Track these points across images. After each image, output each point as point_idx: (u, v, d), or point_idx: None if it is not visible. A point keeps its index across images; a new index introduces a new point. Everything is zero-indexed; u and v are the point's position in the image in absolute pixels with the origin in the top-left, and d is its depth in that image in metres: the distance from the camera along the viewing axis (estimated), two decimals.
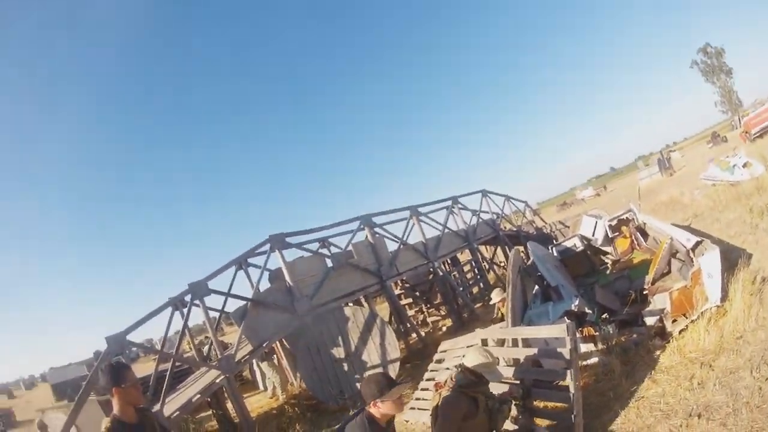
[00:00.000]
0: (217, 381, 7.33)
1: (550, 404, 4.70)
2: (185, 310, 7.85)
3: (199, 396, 7.18)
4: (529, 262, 9.82)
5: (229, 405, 8.24)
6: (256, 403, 10.36)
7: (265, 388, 10.74)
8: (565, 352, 4.31)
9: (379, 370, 7.94)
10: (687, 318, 5.81)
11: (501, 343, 5.74)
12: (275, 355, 10.59)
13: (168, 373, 7.53)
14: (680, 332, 5.65)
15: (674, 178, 28.48)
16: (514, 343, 5.37)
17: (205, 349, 10.27)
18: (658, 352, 5.46)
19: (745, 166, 13.36)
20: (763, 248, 7.12)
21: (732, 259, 6.94)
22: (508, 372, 5.06)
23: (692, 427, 3.76)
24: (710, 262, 5.86)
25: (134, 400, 2.79)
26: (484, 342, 5.82)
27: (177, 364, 8.43)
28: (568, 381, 4.21)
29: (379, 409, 2.81)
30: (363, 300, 10.33)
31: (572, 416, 4.06)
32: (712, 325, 5.30)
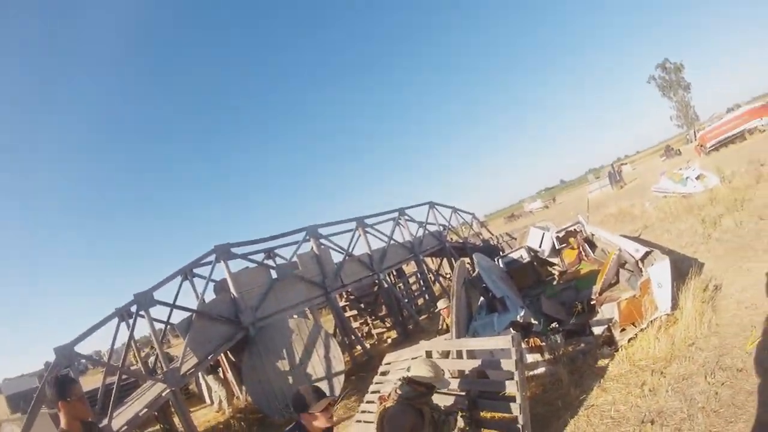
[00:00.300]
0: (163, 395, 7.74)
1: (497, 415, 4.87)
2: (132, 321, 8.31)
3: (146, 410, 7.58)
4: (475, 274, 10.25)
5: (177, 419, 8.69)
6: (203, 417, 10.96)
7: (212, 402, 11.49)
8: (511, 363, 4.54)
9: (324, 383, 8.85)
10: (636, 327, 6.26)
11: (446, 354, 5.99)
12: (221, 368, 11.24)
13: (115, 386, 7.88)
14: (629, 341, 6.09)
15: (625, 191, 30.90)
16: (459, 354, 5.58)
17: (151, 361, 10.53)
18: (606, 361, 5.86)
19: (698, 178, 14.77)
20: (716, 257, 7.87)
21: (683, 268, 7.64)
22: (453, 384, 5.29)
23: None
24: (660, 271, 6.40)
25: (80, 414, 2.96)
26: (429, 354, 6.04)
27: (123, 377, 8.84)
28: (515, 391, 4.46)
29: (310, 421, 3.07)
30: (308, 312, 11.19)
31: (519, 427, 4.23)
32: (663, 333, 5.76)
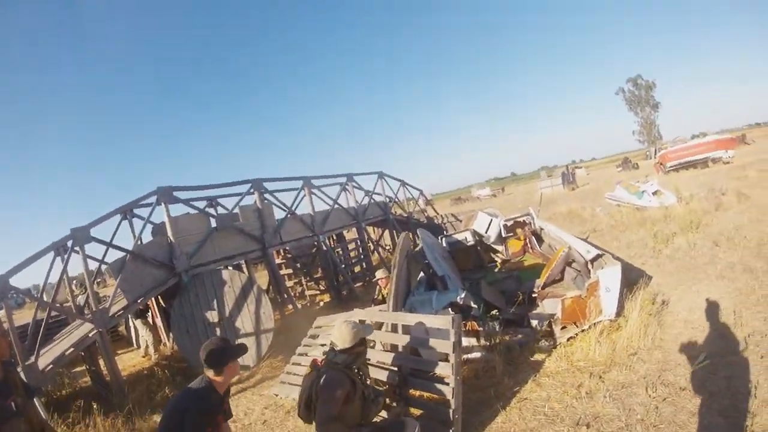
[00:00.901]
0: (90, 335, 7.79)
1: (427, 395, 4.77)
2: (66, 256, 8.29)
3: (72, 350, 7.62)
4: (418, 248, 10.27)
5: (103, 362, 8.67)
6: (129, 362, 11.04)
7: (139, 346, 11.61)
8: (448, 345, 4.46)
9: (252, 339, 9.06)
10: (577, 327, 6.32)
11: (379, 326, 5.81)
12: (150, 313, 11.42)
13: (43, 323, 7.98)
14: (569, 339, 6.16)
15: (576, 193, 31.83)
16: (394, 328, 5.43)
17: (82, 299, 10.16)
18: (543, 356, 5.90)
19: (655, 193, 15.29)
20: (665, 274, 8.08)
21: (631, 278, 7.83)
22: (385, 357, 5.22)
23: None
24: (610, 276, 6.48)
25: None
26: (362, 322, 5.86)
27: (54, 314, 9.04)
28: (449, 373, 4.40)
29: (227, 376, 3.22)
30: (243, 265, 11.43)
31: (450, 411, 4.18)
32: (604, 338, 5.84)
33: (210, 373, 3.21)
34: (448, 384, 4.28)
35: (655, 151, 44.43)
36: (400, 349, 5.16)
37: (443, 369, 4.46)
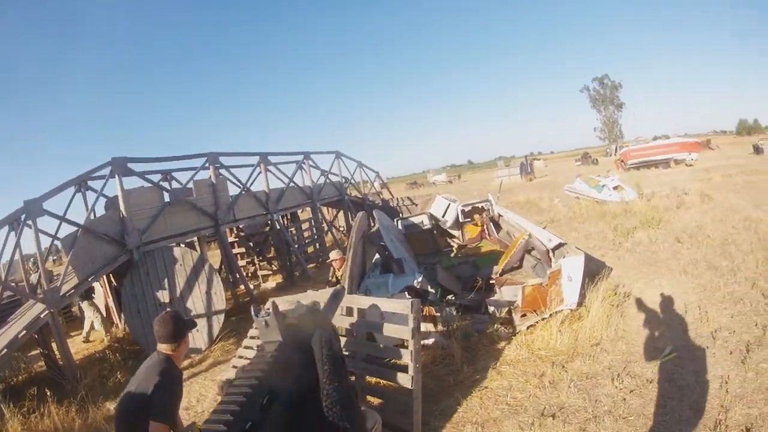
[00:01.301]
0: (42, 316, 7.53)
1: (383, 382, 4.54)
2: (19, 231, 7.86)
3: (25, 332, 7.33)
4: (374, 230, 10.07)
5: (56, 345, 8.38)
6: (83, 344, 10.55)
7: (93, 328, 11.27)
8: (406, 330, 4.23)
9: (203, 320, 8.81)
10: (537, 315, 6.23)
11: None
12: (94, 293, 11.04)
13: None
14: (529, 328, 6.06)
15: (533, 184, 32.36)
16: (349, 312, 5.15)
17: (34, 278, 9.60)
18: (503, 344, 5.76)
19: (616, 188, 15.55)
20: (626, 267, 8.15)
21: (591, 269, 7.76)
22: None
23: (546, 427, 3.94)
24: (573, 265, 6.42)
25: None
26: (315, 304, 5.56)
27: (8, 294, 8.61)
28: (407, 361, 4.17)
29: (177, 350, 3.10)
30: (196, 243, 11.18)
31: (411, 400, 3.94)
32: (566, 327, 5.78)
33: (167, 348, 3.06)
34: (407, 371, 4.05)
35: (616, 148, 45.72)
36: (354, 334, 4.89)
37: (403, 356, 4.24)
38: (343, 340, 4.92)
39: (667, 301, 6.26)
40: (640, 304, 6.36)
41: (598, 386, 4.41)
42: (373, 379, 4.61)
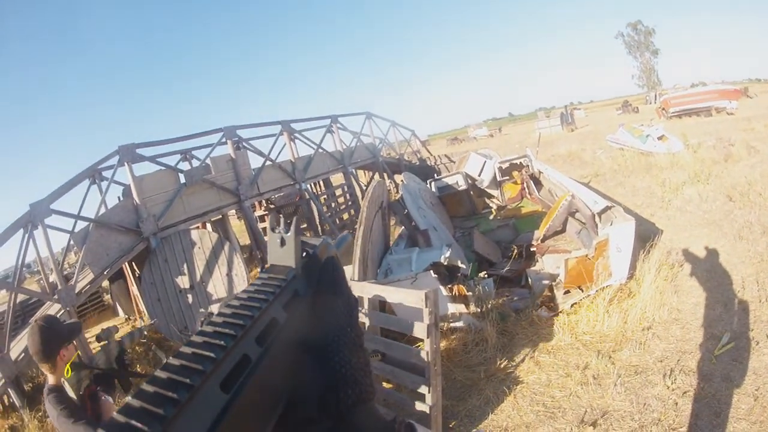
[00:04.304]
0: (59, 316, 7.07)
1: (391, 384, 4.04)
2: (26, 235, 7.66)
3: None
4: (398, 197, 9.34)
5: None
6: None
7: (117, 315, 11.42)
8: (422, 328, 3.63)
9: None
10: (583, 292, 5.56)
11: None
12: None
13: (11, 308, 7.47)
14: (572, 306, 5.42)
15: (575, 134, 30.71)
16: (360, 301, 4.56)
17: (53, 278, 9.51)
18: (544, 326, 5.11)
19: (660, 138, 14.29)
20: (678, 228, 7.32)
21: (640, 232, 6.92)
22: None
23: None
24: (622, 234, 5.66)
25: None
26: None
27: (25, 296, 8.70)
28: (424, 362, 3.59)
29: (53, 371, 2.47)
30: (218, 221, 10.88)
31: (427, 408, 3.40)
32: (614, 307, 5.10)
33: (46, 370, 2.47)
34: (423, 374, 3.51)
35: (656, 96, 43.07)
36: (366, 327, 4.33)
37: (417, 356, 3.70)
38: None
39: (723, 274, 5.45)
40: (694, 276, 5.57)
41: (648, 385, 3.76)
42: (386, 383, 4.12)
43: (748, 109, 25.51)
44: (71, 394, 2.40)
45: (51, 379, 2.46)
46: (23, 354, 6.75)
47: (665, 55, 70.23)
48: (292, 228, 1.67)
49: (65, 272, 9.95)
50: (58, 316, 6.97)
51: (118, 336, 2.88)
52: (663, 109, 28.89)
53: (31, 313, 10.02)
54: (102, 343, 2.69)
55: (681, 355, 4.10)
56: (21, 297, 8.75)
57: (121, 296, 11.06)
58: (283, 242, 1.86)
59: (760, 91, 45.46)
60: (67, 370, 2.39)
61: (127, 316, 10.84)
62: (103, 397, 2.56)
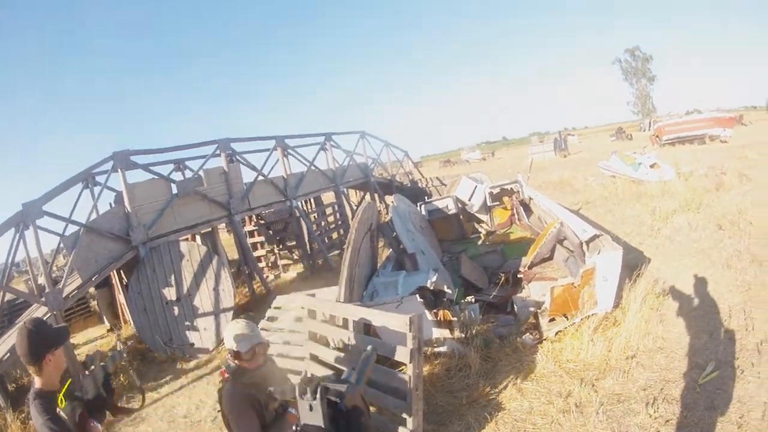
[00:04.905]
0: (45, 319, 7.28)
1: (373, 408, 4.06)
2: (18, 234, 7.75)
3: None
4: (388, 219, 9.48)
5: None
6: (92, 344, 10.41)
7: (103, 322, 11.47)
8: (404, 352, 3.71)
9: (211, 318, 8.54)
10: (568, 320, 5.64)
11: (331, 319, 5.00)
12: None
13: None
14: (557, 334, 5.49)
15: (567, 161, 31.17)
16: (345, 324, 4.62)
17: (41, 280, 9.60)
18: (527, 353, 5.19)
19: (652, 166, 14.60)
20: (666, 257, 7.44)
21: (628, 260, 7.02)
22: (330, 356, 4.60)
23: None
24: (609, 263, 5.76)
25: None
26: (312, 314, 5.06)
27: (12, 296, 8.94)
28: (406, 387, 3.69)
29: (39, 374, 2.51)
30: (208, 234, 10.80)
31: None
32: (599, 335, 5.18)
33: (33, 372, 2.52)
34: (404, 399, 3.56)
35: (650, 123, 43.93)
36: (349, 348, 4.38)
37: (399, 381, 3.76)
38: (334, 354, 4.51)
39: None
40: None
41: (630, 413, 3.83)
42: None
43: (742, 136, 26.03)
44: (64, 416, 2.43)
45: (37, 382, 2.49)
46: (8, 354, 6.83)
47: (661, 81, 71.40)
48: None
49: (54, 275, 10.01)
50: (45, 319, 7.06)
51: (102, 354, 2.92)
52: (657, 136, 29.41)
53: (18, 314, 10.08)
54: (91, 369, 2.71)
55: (665, 383, 4.18)
56: (8, 296, 8.82)
57: (104, 304, 11.13)
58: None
59: (755, 118, 46.32)
60: (61, 400, 2.43)
61: (110, 327, 10.89)
62: (92, 423, 2.56)
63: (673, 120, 29.06)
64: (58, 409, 2.43)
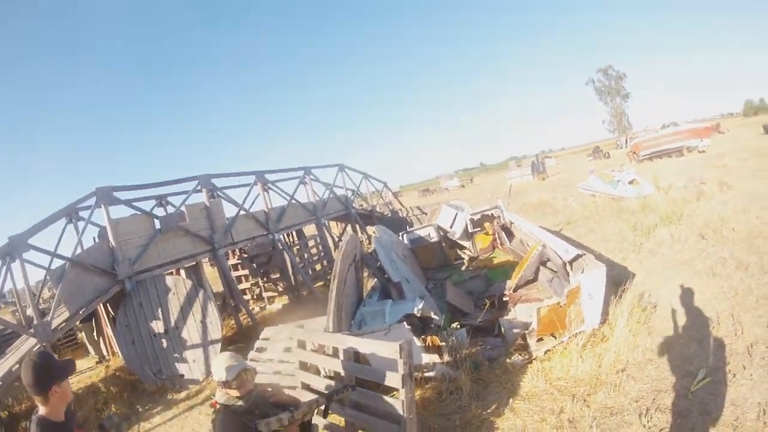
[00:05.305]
0: (34, 350, 7.32)
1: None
2: (5, 267, 7.89)
3: (18, 366, 7.45)
4: (371, 249, 9.60)
5: None
6: (80, 376, 10.37)
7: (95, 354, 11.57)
8: (396, 378, 3.76)
9: (200, 350, 8.63)
10: (556, 339, 5.69)
11: (321, 348, 5.04)
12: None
13: None
14: (546, 353, 5.53)
15: (546, 183, 31.65)
16: (335, 352, 4.68)
17: (30, 312, 9.70)
18: (517, 373, 5.20)
19: (631, 183, 14.91)
20: (650, 270, 7.56)
21: (613, 276, 7.21)
22: (321, 385, 4.59)
23: None
24: (593, 281, 5.86)
25: None
26: (301, 344, 5.14)
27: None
28: (399, 413, 3.73)
29: (45, 404, 2.58)
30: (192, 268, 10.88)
31: None
32: (588, 352, 5.22)
33: (38, 402, 2.61)
34: (398, 423, 3.56)
35: (626, 140, 44.90)
36: (342, 375, 4.40)
37: (392, 406, 3.77)
38: (325, 382, 4.51)
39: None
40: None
41: (623, 425, 3.85)
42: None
43: (720, 145, 26.77)
44: None
45: (42, 410, 2.58)
46: (0, 383, 7.04)
47: (636, 97, 72.96)
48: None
49: (40, 307, 10.16)
50: (33, 350, 7.25)
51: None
52: (634, 152, 30.01)
53: (6, 344, 10.12)
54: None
55: (656, 394, 4.21)
56: None
57: (90, 337, 11.31)
58: None
59: (732, 125, 47.63)
60: None
61: (98, 359, 11.05)
62: None
63: (650, 135, 29.66)
64: None
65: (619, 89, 71.61)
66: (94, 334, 11.34)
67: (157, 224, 9.73)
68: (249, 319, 11.02)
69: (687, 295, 6.21)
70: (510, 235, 11.83)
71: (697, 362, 4.55)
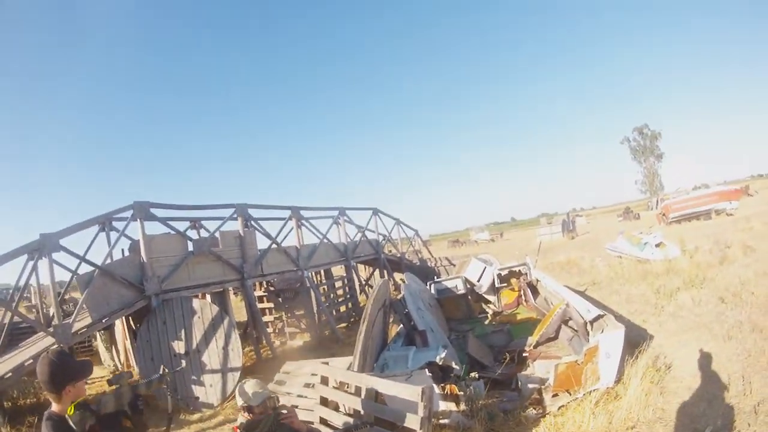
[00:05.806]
0: (53, 348, 7.62)
1: None
2: (33, 262, 8.25)
3: (31, 361, 7.53)
4: (400, 296, 9.96)
5: None
6: (98, 382, 10.35)
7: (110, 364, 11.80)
8: (416, 420, 4.05)
9: (218, 376, 8.77)
10: (571, 395, 5.90)
11: (342, 386, 5.39)
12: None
13: (4, 330, 8.50)
14: (560, 408, 5.72)
15: (575, 242, 31.63)
16: (357, 391, 5.02)
17: (52, 311, 10.08)
18: (531, 427, 5.40)
19: (658, 245, 15.04)
20: (667, 333, 7.70)
21: (631, 338, 7.38)
22: (340, 421, 4.92)
23: None
24: (611, 341, 6.15)
25: None
26: (324, 380, 5.49)
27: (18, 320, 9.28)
28: None
29: (58, 402, 2.63)
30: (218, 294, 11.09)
31: None
32: (600, 409, 5.42)
33: (52, 399, 2.65)
34: None
35: (657, 201, 44.78)
36: (362, 413, 4.72)
37: None
38: (344, 418, 4.78)
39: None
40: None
41: None
42: None
43: (748, 207, 26.55)
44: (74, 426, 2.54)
45: (54, 407, 2.62)
46: (10, 374, 7.19)
47: (669, 156, 72.08)
48: None
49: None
50: (52, 348, 7.44)
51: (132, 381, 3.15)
52: (663, 214, 30.00)
53: (20, 337, 10.35)
54: (113, 387, 2.89)
55: None
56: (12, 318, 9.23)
57: (106, 347, 11.57)
58: None
59: (761, 186, 46.99)
60: (71, 408, 2.54)
61: (114, 369, 11.21)
62: None
63: (680, 197, 29.65)
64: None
65: (654, 149, 71.27)
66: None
67: (190, 246, 10.02)
68: (269, 352, 11.20)
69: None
70: (535, 292, 12.06)
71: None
